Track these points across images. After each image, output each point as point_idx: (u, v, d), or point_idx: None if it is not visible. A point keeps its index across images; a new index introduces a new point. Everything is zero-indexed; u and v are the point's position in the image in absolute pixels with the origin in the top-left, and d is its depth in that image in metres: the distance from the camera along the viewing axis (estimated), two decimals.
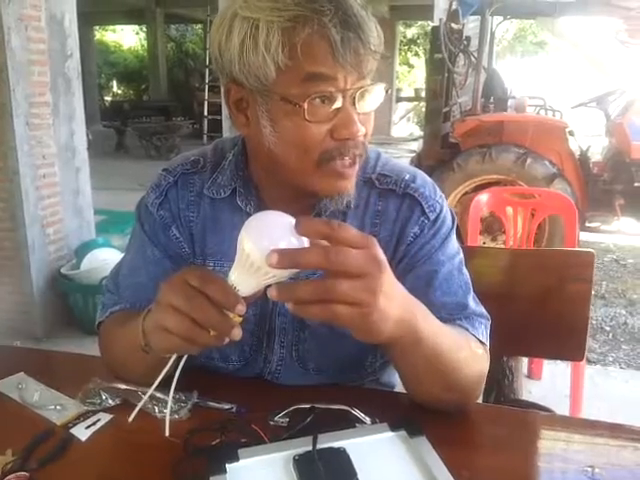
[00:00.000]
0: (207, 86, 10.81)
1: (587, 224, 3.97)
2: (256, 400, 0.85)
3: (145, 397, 0.71)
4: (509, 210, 2.57)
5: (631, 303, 3.69)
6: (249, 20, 0.70)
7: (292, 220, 0.59)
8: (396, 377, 1.01)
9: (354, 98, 0.71)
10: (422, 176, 0.93)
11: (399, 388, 0.96)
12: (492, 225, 3.44)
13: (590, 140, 4.79)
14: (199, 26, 16.29)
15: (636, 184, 3.86)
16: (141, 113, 11.62)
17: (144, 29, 15.92)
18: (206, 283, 0.62)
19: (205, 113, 10.86)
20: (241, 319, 0.64)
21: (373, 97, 0.75)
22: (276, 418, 0.79)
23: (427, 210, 0.87)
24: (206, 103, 10.78)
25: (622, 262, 4.59)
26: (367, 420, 0.77)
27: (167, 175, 0.92)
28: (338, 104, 0.71)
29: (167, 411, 0.70)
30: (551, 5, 4.01)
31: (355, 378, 0.95)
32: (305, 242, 0.59)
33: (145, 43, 16.27)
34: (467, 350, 0.80)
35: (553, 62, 17.24)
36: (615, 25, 4.73)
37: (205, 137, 10.63)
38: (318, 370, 0.92)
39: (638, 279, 4.20)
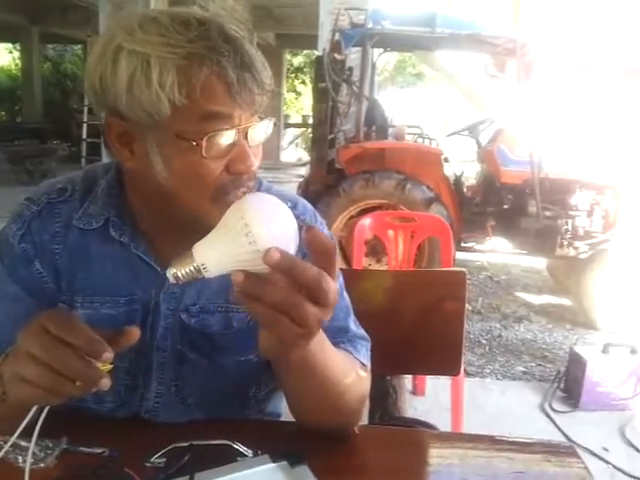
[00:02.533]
0: (86, 108, 10.31)
1: (462, 244, 4.23)
2: (132, 441, 0.80)
3: (6, 447, 0.66)
4: (391, 233, 2.68)
5: (505, 317, 3.96)
6: (138, 55, 0.67)
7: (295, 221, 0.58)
8: (282, 405, 1.00)
9: (247, 133, 0.72)
10: (303, 203, 0.94)
11: (285, 416, 0.96)
12: (376, 247, 3.56)
13: (463, 166, 5.15)
14: (79, 46, 15.61)
15: (505, 206, 4.18)
16: (12, 136, 10.82)
17: (18, 47, 14.99)
18: (68, 330, 0.58)
19: (84, 136, 10.35)
20: (111, 366, 0.60)
21: (263, 130, 0.76)
22: (152, 459, 0.75)
23: None
24: (85, 125, 10.29)
25: (495, 279, 4.93)
26: (249, 453, 0.76)
27: (30, 205, 0.85)
28: (233, 140, 0.71)
29: (27, 460, 0.64)
30: (427, 39, 4.28)
31: (239, 410, 0.93)
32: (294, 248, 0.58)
33: (19, 62, 15.30)
34: (353, 374, 0.82)
35: (431, 93, 18.39)
36: (484, 59, 5.15)
37: (84, 161, 10.08)
38: (199, 405, 0.89)
39: (510, 294, 4.54)
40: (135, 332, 0.67)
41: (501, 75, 5.64)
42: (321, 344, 0.71)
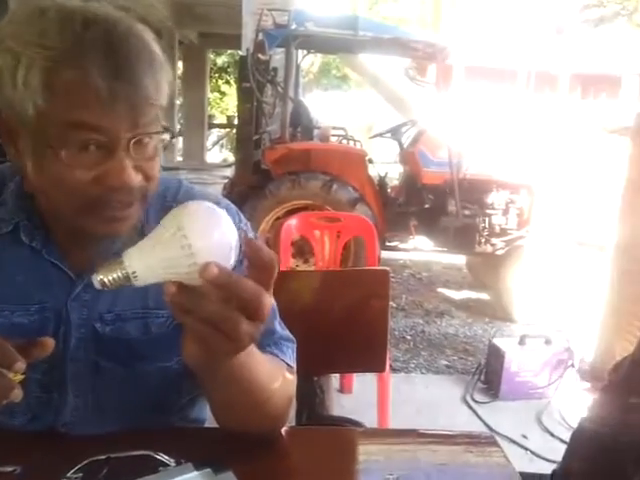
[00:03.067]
0: None
1: (387, 243, 4.32)
2: (46, 457, 0.76)
3: None
4: (317, 233, 2.69)
5: (427, 313, 4.08)
6: (11, 52, 0.64)
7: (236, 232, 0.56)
8: (206, 411, 0.98)
9: (129, 146, 0.68)
10: (227, 204, 0.92)
11: (210, 422, 0.94)
12: (303, 248, 3.57)
13: (387, 167, 5.26)
14: None
15: (427, 206, 4.31)
16: None
17: None
18: None
19: None
20: (23, 377, 0.57)
21: (155, 143, 0.72)
22: (68, 474, 0.71)
23: None
24: None
25: (418, 276, 5.08)
26: (171, 462, 0.74)
27: None
28: (105, 152, 0.68)
29: None
30: (350, 42, 4.34)
31: (161, 419, 0.90)
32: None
33: None
34: (280, 377, 0.81)
35: (355, 96, 18.69)
36: (405, 63, 5.29)
37: None
38: (118, 415, 0.85)
39: (432, 291, 4.68)
40: (49, 342, 0.64)
41: (422, 79, 5.81)
42: (248, 350, 0.70)
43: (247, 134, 4.24)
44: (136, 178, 0.70)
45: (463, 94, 9.65)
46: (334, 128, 4.86)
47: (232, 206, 0.93)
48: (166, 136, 0.74)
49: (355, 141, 4.94)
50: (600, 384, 1.09)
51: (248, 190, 4.06)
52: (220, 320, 0.54)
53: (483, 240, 4.18)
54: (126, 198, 0.71)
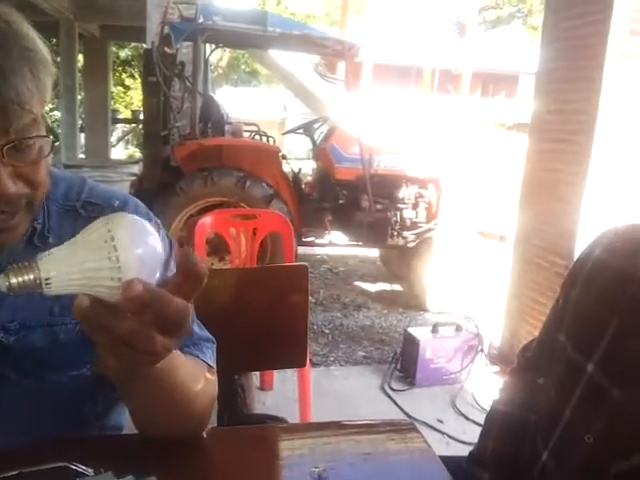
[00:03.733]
0: None
1: (303, 239, 4.34)
2: None
3: None
4: (232, 231, 2.66)
5: (345, 306, 4.15)
6: None
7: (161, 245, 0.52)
8: (124, 418, 0.94)
9: (2, 153, 0.63)
10: (134, 202, 0.88)
11: (129, 429, 0.90)
12: (218, 246, 3.51)
13: (301, 164, 5.29)
14: None
15: (341, 201, 4.37)
16: None
17: None
18: None
19: None
20: None
21: (38, 146, 0.67)
22: None
23: None
24: None
25: (335, 271, 5.15)
26: (90, 472, 0.70)
27: None
28: None
29: None
30: (259, 38, 4.30)
31: (76, 429, 0.85)
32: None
33: None
34: (202, 379, 0.80)
35: (266, 91, 18.61)
36: (315, 60, 5.32)
37: None
38: (29, 429, 0.79)
39: (349, 284, 4.76)
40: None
41: (332, 75, 5.88)
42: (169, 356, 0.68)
43: (155, 130, 4.10)
44: (14, 186, 0.65)
45: (372, 91, 9.87)
46: (246, 124, 4.81)
47: (141, 205, 0.89)
48: (45, 142, 0.68)
49: (268, 137, 4.91)
50: (508, 367, 1.15)
51: (158, 188, 3.93)
52: (135, 338, 0.51)
53: (395, 233, 4.31)
54: (6, 208, 0.67)
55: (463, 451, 1.09)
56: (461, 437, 2.43)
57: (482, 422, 1.09)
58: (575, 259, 1.00)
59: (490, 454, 1.01)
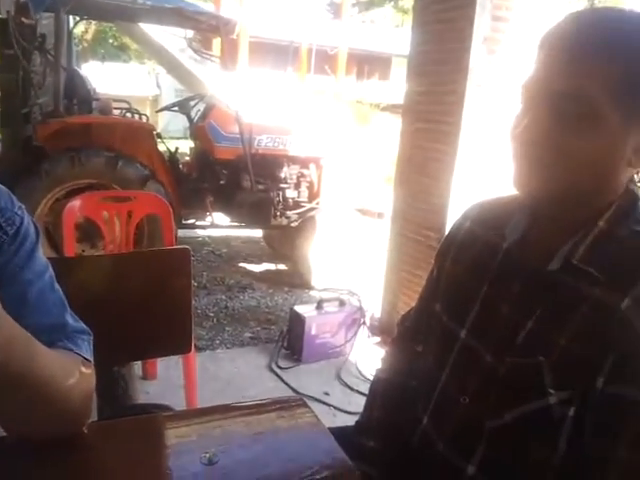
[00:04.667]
0: None
1: (183, 221, 4.21)
2: None
3: None
4: (105, 214, 2.51)
5: (229, 288, 4.10)
6: None
7: None
8: None
9: None
10: None
11: None
12: (90, 231, 3.30)
13: (177, 143, 5.10)
14: None
15: (221, 182, 4.29)
16: None
17: None
18: None
19: None
20: None
21: None
22: None
23: (4, 224, 0.77)
24: None
25: (218, 253, 5.06)
26: None
27: None
28: None
29: None
30: (128, 10, 4.05)
31: None
32: None
33: None
34: (76, 373, 0.76)
35: (137, 67, 17.68)
36: (189, 35, 5.12)
37: None
38: None
39: (233, 266, 4.71)
40: None
41: (207, 52, 5.71)
42: (26, 351, 0.64)
43: (14, 107, 3.75)
44: None
45: (249, 69, 9.74)
46: (116, 100, 4.54)
47: (3, 189, 0.81)
48: None
49: (140, 115, 4.68)
50: (389, 337, 1.20)
51: (19, 170, 3.61)
52: None
53: (278, 213, 4.32)
54: None
55: (350, 421, 1.13)
56: (347, 408, 2.52)
57: (366, 392, 1.12)
58: (447, 232, 1.06)
59: (375, 422, 1.04)
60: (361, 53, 17.66)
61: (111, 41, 17.01)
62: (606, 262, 0.76)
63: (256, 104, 4.40)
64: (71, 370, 0.75)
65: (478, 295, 0.90)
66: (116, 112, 4.46)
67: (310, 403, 0.99)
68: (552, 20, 0.78)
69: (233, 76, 4.34)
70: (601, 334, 0.73)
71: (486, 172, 2.66)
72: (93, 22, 11.77)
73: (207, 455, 0.80)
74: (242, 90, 4.30)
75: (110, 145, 3.73)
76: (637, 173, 0.82)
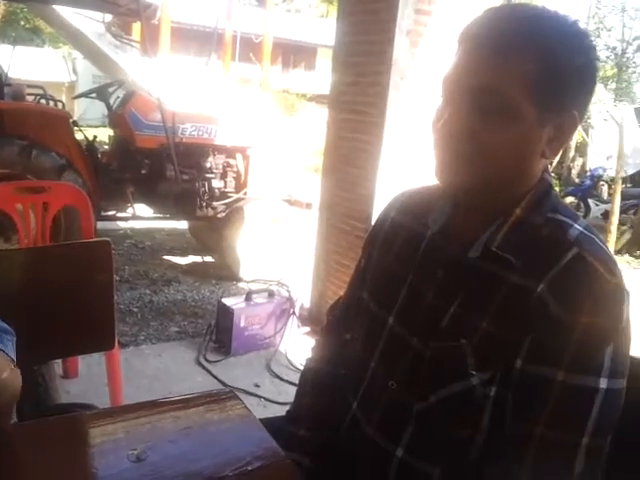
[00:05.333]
0: None
1: (103, 213, 4.05)
2: None
3: None
4: (19, 206, 2.37)
5: (153, 282, 3.99)
6: None
7: None
8: None
9: None
10: None
11: None
12: (3, 225, 3.11)
13: (96, 131, 4.89)
14: None
15: (143, 171, 4.14)
16: None
17: None
18: None
19: None
20: None
21: None
22: None
23: None
24: None
25: (140, 245, 4.91)
26: None
27: None
28: None
29: None
30: None
31: None
32: None
33: None
34: (8, 370, 0.76)
35: (51, 51, 16.78)
36: (108, 19, 4.92)
37: None
38: None
39: (157, 259, 4.58)
40: None
41: (127, 37, 5.49)
42: None
43: None
44: None
45: (170, 55, 9.47)
46: (29, 86, 4.29)
47: None
48: None
49: (56, 101, 4.45)
50: (318, 327, 1.21)
51: None
52: None
53: (204, 204, 4.23)
54: None
55: (281, 412, 1.13)
56: (277, 398, 2.52)
57: (297, 382, 1.13)
58: (373, 222, 1.08)
59: (305, 411, 1.05)
60: (287, 42, 17.58)
61: (23, 23, 16.05)
62: (523, 248, 0.79)
63: (179, 91, 4.29)
64: (2, 365, 0.73)
65: (404, 283, 0.92)
66: (30, 98, 4.22)
67: (240, 395, 0.98)
68: (472, 14, 0.80)
69: (154, 62, 4.20)
70: (519, 317, 0.76)
71: (412, 162, 2.73)
72: (2, 3, 11.06)
73: (135, 452, 0.78)
74: (164, 77, 4.17)
75: (23, 133, 3.52)
76: (550, 164, 0.87)
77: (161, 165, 4.10)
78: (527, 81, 0.75)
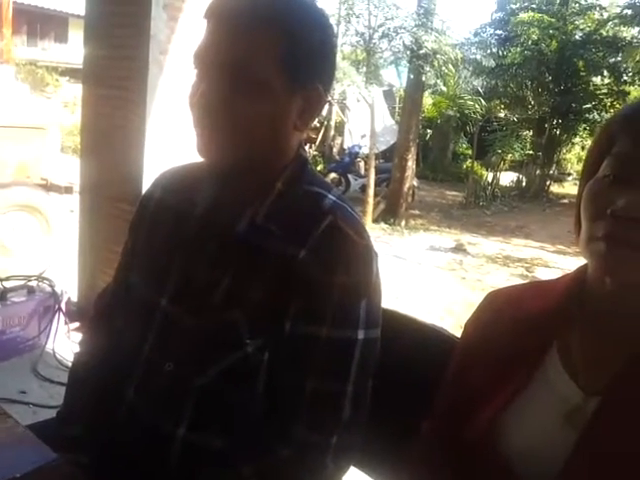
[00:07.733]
0: None
1: None
2: None
3: None
4: None
5: None
6: None
7: None
8: None
9: None
10: None
11: None
12: None
13: None
14: None
15: None
16: None
17: None
18: None
19: None
20: None
21: None
22: None
23: None
24: None
25: None
26: None
27: None
28: None
29: None
30: None
31: None
32: None
33: None
34: None
35: None
36: None
37: None
38: None
39: None
40: None
41: None
42: None
43: None
44: None
45: None
46: None
47: None
48: None
49: None
50: (88, 320, 1.13)
51: None
52: None
53: None
54: None
55: (53, 415, 1.04)
56: (49, 402, 2.30)
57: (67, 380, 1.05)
58: (138, 203, 1.04)
59: (77, 408, 0.98)
60: (32, 10, 15.70)
61: None
62: (285, 219, 0.84)
63: None
64: None
65: (175, 262, 0.90)
66: None
67: (4, 405, 0.89)
68: None
69: None
70: (285, 284, 0.81)
71: (180, 139, 2.66)
72: None
73: None
74: None
75: None
76: (314, 143, 0.93)
77: None
78: (274, 54, 0.78)
